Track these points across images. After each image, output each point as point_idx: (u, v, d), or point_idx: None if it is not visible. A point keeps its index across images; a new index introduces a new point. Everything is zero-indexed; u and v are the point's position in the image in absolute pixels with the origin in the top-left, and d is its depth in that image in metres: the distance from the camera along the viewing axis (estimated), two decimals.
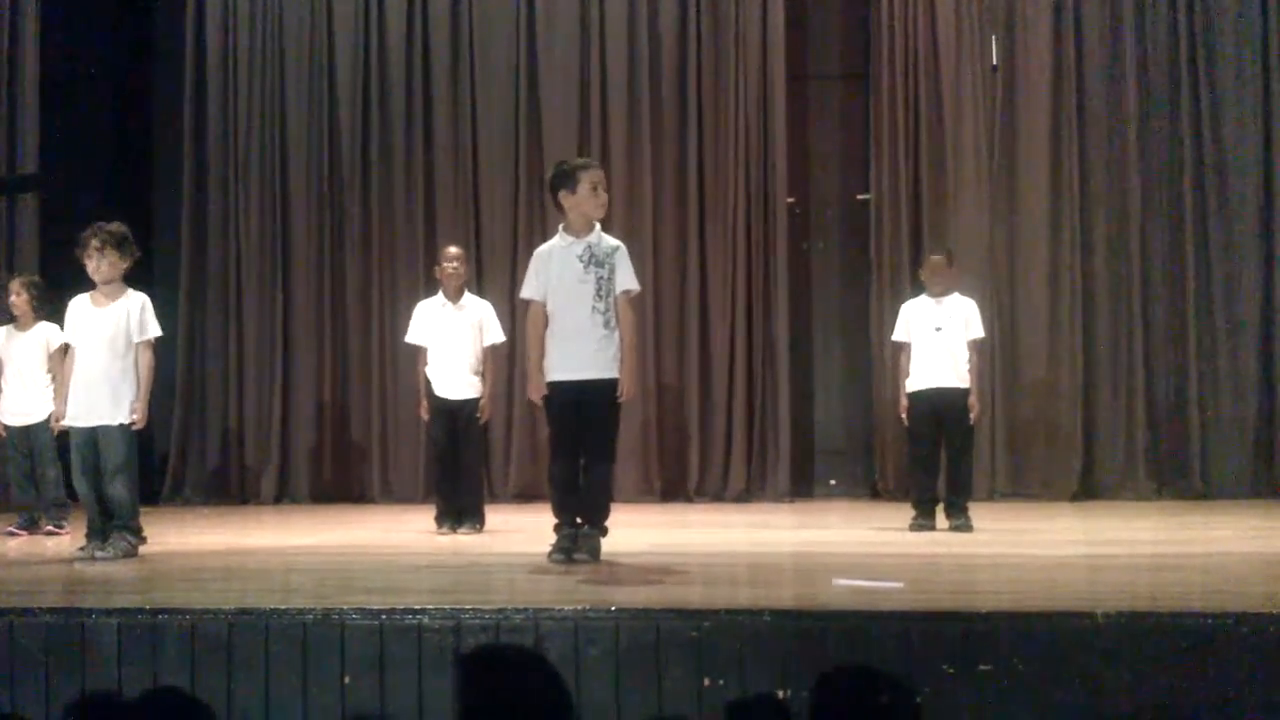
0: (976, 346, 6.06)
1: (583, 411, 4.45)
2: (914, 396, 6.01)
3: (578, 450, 4.50)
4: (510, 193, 8.77)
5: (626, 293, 4.52)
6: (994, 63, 8.32)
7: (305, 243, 8.94)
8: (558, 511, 4.55)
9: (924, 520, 5.90)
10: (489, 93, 8.85)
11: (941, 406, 5.93)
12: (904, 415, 6.08)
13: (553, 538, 4.54)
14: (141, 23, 9.45)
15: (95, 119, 8.86)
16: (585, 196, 4.49)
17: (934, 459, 6.06)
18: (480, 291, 6.90)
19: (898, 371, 6.25)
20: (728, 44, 8.55)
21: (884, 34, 8.39)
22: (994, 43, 8.31)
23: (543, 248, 4.66)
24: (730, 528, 6.48)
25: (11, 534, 6.28)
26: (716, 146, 8.55)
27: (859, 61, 8.72)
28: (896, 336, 6.19)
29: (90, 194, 8.30)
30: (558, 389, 4.48)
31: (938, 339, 5.96)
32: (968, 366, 5.97)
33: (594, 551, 4.45)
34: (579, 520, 4.51)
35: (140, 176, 9.36)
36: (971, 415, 5.97)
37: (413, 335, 6.36)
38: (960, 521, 5.83)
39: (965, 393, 5.95)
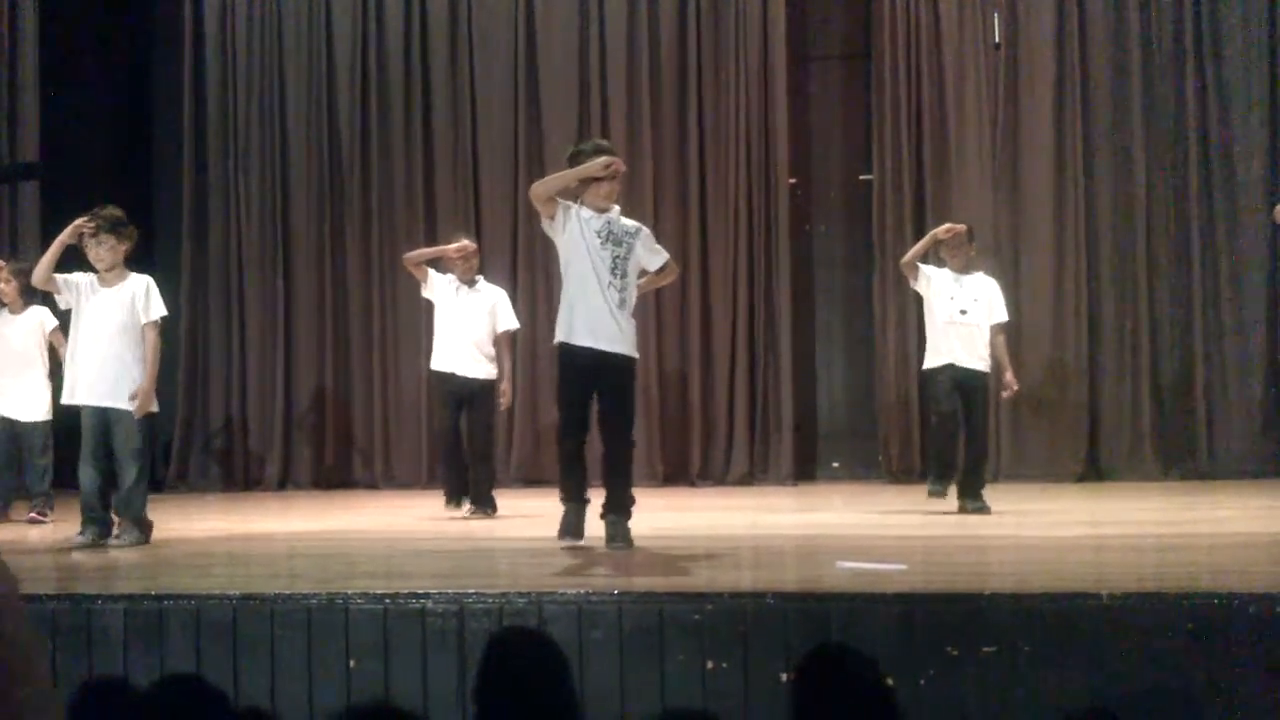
0: (1003, 329, 6.03)
1: (601, 383, 4.39)
2: (936, 371, 5.92)
3: (587, 423, 4.43)
4: (510, 176, 8.73)
5: (661, 270, 4.61)
6: (997, 40, 8.26)
7: (306, 229, 8.93)
8: (563, 488, 4.46)
9: (941, 487, 5.83)
10: (488, 76, 8.81)
11: (962, 386, 5.86)
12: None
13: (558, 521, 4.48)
14: (141, 9, 9.41)
15: (95, 106, 8.84)
16: (590, 187, 4.43)
17: (958, 427, 5.94)
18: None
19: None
20: (728, 24, 8.50)
21: (886, 12, 8.34)
22: (997, 20, 8.26)
23: (569, 203, 4.48)
24: (733, 511, 6.47)
25: (34, 520, 6.19)
26: (718, 127, 8.51)
27: (860, 41, 8.67)
28: (915, 285, 6.03)
29: (91, 181, 8.27)
30: (573, 352, 4.40)
31: (963, 321, 5.87)
32: (988, 350, 5.91)
33: (628, 538, 4.36)
34: (609, 515, 4.39)
35: (141, 163, 9.35)
36: (1008, 393, 6.05)
37: (427, 291, 6.30)
38: (980, 504, 5.75)
39: (985, 375, 5.91)
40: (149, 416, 4.97)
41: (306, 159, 8.95)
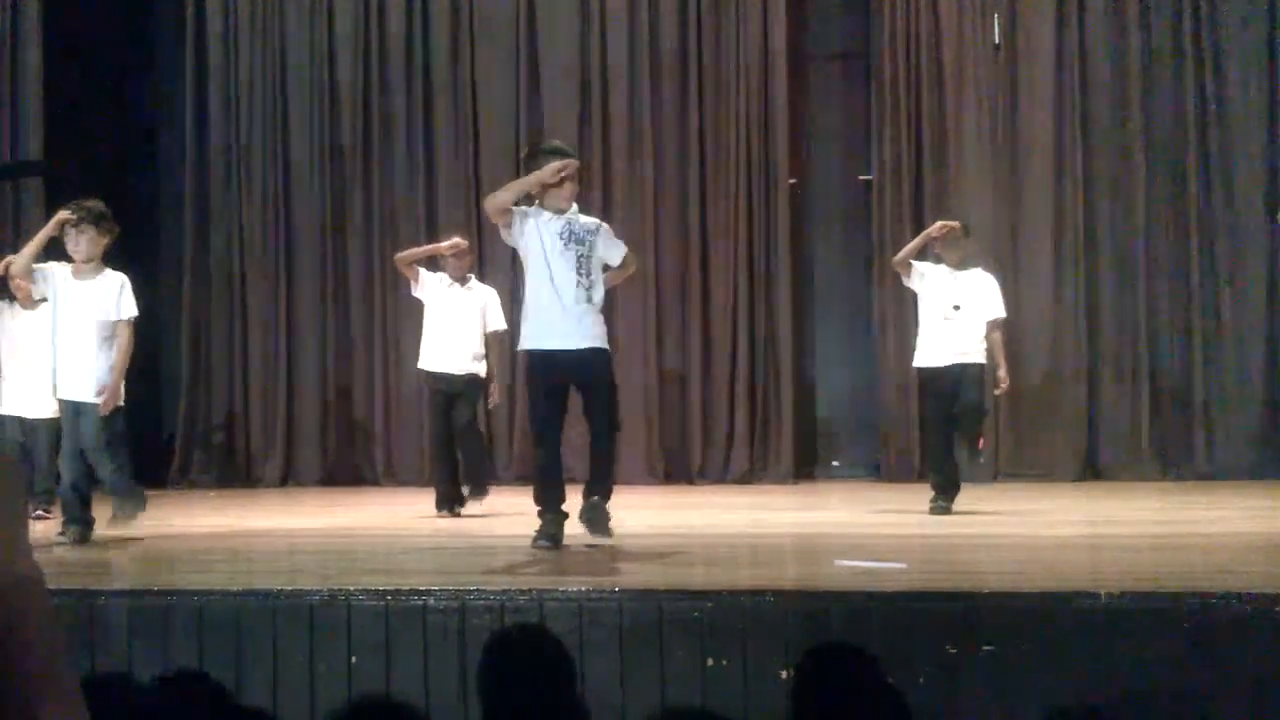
0: (998, 325, 5.96)
1: (582, 379, 4.37)
2: (929, 378, 5.91)
3: (562, 427, 4.40)
4: (511, 176, 8.62)
5: (622, 264, 4.56)
6: (996, 41, 8.28)
7: (308, 228, 8.95)
8: (542, 498, 4.38)
9: (945, 502, 5.73)
10: (489, 76, 8.83)
11: (954, 381, 5.80)
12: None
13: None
14: (144, 5, 9.42)
15: (99, 103, 8.84)
16: (549, 189, 4.39)
17: (953, 439, 5.87)
18: (481, 278, 6.90)
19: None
20: (729, 23, 8.52)
21: (885, 12, 8.35)
22: (996, 21, 8.27)
23: (525, 208, 4.46)
24: (733, 509, 6.49)
25: (39, 517, 6.20)
26: (718, 127, 8.53)
27: (860, 41, 8.68)
28: (909, 283, 5.98)
29: (94, 179, 8.28)
30: (548, 356, 4.35)
31: (956, 318, 5.81)
32: (983, 345, 5.88)
33: (607, 526, 4.32)
34: (593, 496, 4.37)
35: (145, 161, 9.36)
36: (1000, 389, 6.01)
37: (418, 291, 6.29)
38: (975, 456, 5.82)
39: (979, 365, 5.85)
40: (117, 409, 4.93)
41: (308, 158, 8.97)
